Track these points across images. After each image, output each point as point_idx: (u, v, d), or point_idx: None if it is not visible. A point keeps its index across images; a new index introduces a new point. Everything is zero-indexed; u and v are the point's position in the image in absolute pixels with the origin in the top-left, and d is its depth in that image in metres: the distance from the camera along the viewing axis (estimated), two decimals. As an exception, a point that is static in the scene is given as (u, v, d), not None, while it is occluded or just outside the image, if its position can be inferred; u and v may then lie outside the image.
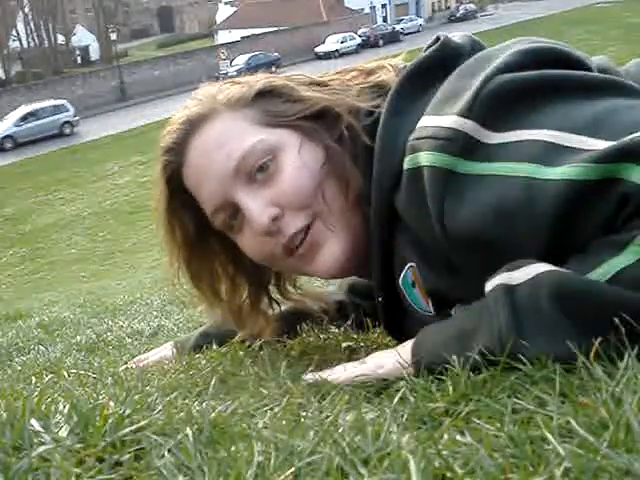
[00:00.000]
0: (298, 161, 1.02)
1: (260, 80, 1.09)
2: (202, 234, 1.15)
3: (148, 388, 0.98)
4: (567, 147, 0.79)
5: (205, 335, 1.38)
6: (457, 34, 1.04)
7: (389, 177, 0.97)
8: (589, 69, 0.92)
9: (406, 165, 0.92)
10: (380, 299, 1.10)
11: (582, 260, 0.79)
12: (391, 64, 1.11)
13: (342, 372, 0.96)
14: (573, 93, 0.85)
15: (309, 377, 0.98)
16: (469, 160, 0.85)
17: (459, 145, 0.85)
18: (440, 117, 0.89)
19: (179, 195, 1.11)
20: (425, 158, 0.88)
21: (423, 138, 0.89)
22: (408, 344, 0.93)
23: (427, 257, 0.97)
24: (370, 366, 0.95)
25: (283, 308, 1.31)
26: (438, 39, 1.01)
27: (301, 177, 1.01)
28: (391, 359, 0.93)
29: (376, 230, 1.02)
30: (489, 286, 0.82)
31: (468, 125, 0.85)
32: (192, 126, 1.07)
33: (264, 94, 1.07)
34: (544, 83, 0.86)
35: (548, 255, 0.80)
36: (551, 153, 0.80)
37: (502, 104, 0.85)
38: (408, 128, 0.95)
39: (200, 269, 1.17)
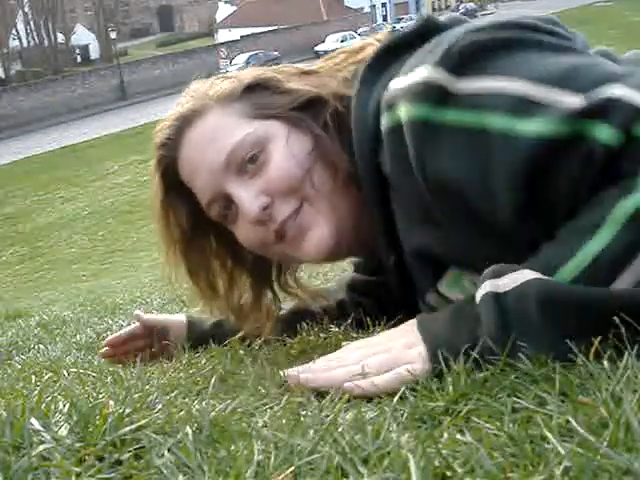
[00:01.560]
0: (286, 151, 1.05)
1: (249, 74, 1.12)
2: (200, 229, 1.17)
3: (148, 387, 0.98)
4: (539, 100, 0.80)
5: (219, 325, 1.38)
6: (446, 15, 1.04)
7: (368, 141, 0.98)
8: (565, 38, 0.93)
9: (385, 123, 0.93)
10: (391, 262, 1.09)
11: (556, 251, 0.80)
12: (377, 39, 1.12)
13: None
14: (543, 48, 0.87)
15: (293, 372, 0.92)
16: (444, 109, 0.86)
17: (433, 95, 0.86)
18: (412, 73, 0.89)
19: (175, 188, 1.14)
20: (403, 112, 0.89)
21: (398, 94, 0.90)
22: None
23: (410, 214, 0.98)
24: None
25: (283, 309, 1.31)
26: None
27: (289, 165, 1.04)
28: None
29: (371, 200, 1.03)
30: (478, 295, 0.83)
31: (441, 75, 0.86)
32: (185, 122, 1.10)
33: (253, 88, 1.10)
34: (516, 37, 0.88)
35: (523, 209, 0.82)
36: (524, 106, 0.81)
37: (475, 54, 0.86)
38: (380, 92, 0.95)
39: (198, 264, 1.19)
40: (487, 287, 0.82)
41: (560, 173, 0.80)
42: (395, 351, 0.87)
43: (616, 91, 0.77)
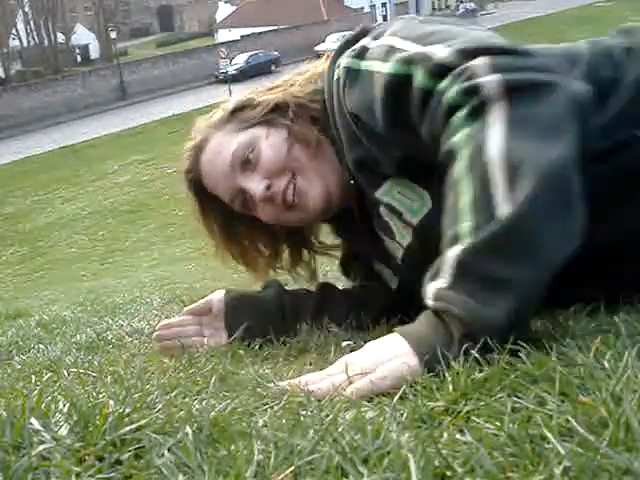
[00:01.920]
0: (268, 143, 1.38)
1: (232, 102, 1.47)
2: (237, 223, 1.48)
3: (148, 387, 0.98)
4: (399, 49, 1.13)
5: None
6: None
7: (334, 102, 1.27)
8: None
9: (334, 76, 1.25)
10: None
11: (451, 229, 0.94)
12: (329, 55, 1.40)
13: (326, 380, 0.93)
14: (435, 21, 1.20)
15: (284, 384, 0.95)
16: (361, 60, 1.20)
17: (358, 51, 1.21)
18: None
19: (207, 200, 1.46)
20: (342, 64, 1.23)
21: (343, 56, 1.23)
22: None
23: (347, 139, 1.28)
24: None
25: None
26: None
27: (273, 152, 1.37)
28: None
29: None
30: (429, 299, 0.93)
31: (368, 41, 1.22)
32: (197, 150, 1.46)
33: (236, 110, 1.44)
34: (417, 17, 1.23)
35: (391, 125, 1.13)
36: (389, 53, 1.14)
37: (388, 26, 1.22)
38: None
39: (242, 247, 1.51)
40: (434, 286, 0.92)
41: (404, 98, 1.10)
42: (379, 355, 0.93)
43: (434, 48, 1.07)
